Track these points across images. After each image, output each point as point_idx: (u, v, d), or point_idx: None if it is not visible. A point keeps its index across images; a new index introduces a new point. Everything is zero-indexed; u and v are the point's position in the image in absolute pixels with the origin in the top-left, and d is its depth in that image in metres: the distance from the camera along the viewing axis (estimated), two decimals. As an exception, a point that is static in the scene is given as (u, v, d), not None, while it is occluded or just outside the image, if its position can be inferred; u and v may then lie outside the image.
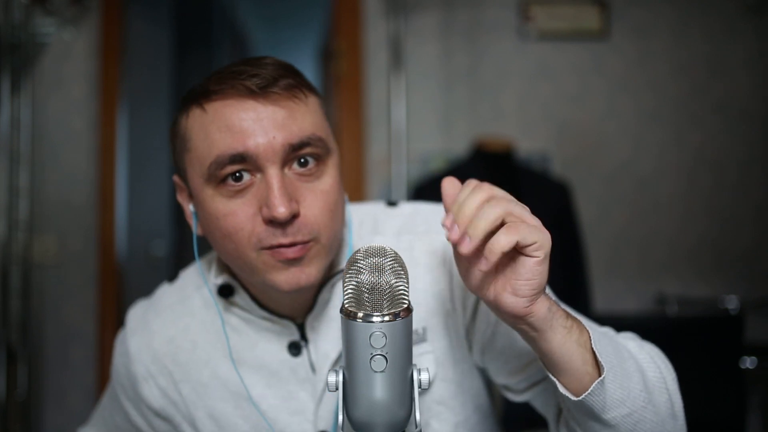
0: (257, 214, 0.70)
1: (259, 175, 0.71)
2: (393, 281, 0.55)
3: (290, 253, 0.71)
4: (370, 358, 0.55)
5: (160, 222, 3.10)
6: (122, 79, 2.56)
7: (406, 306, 0.56)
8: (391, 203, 0.90)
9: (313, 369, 0.81)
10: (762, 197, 2.57)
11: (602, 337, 0.66)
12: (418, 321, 0.80)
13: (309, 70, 5.76)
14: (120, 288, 2.56)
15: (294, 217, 0.70)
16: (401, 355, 0.56)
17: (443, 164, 2.48)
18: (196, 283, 0.89)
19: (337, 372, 0.59)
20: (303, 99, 0.73)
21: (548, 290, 0.67)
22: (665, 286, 2.52)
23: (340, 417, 0.59)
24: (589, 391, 0.62)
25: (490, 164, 2.18)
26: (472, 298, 0.80)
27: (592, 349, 0.63)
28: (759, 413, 2.34)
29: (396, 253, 0.57)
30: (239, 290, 0.81)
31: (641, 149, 2.57)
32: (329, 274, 0.80)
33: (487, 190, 0.61)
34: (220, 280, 0.82)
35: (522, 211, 0.59)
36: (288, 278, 0.72)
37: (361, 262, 0.55)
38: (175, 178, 0.81)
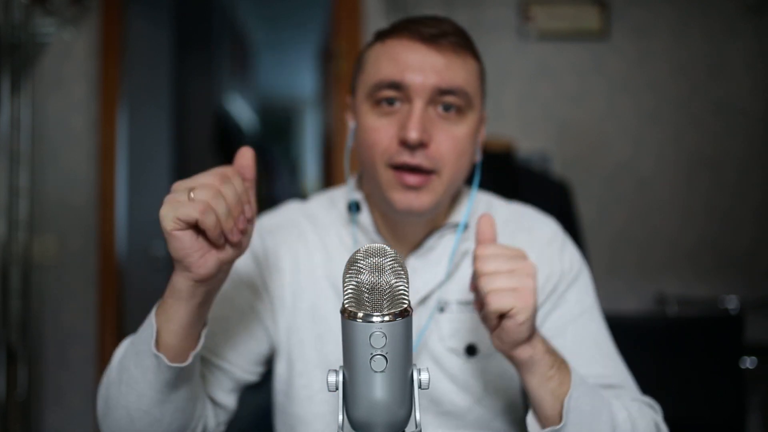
0: (396, 135, 0.83)
1: (407, 105, 0.84)
2: (393, 281, 0.55)
3: (411, 179, 0.83)
4: (370, 358, 0.55)
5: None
6: (122, 79, 2.56)
7: (406, 306, 0.56)
8: (506, 200, 1.02)
9: None
10: (762, 197, 2.57)
11: (584, 396, 0.74)
12: None
13: (309, 70, 5.77)
14: (120, 288, 2.55)
15: (423, 145, 0.82)
16: (401, 355, 0.56)
17: (443, 164, 2.48)
18: (326, 205, 1.00)
19: (337, 372, 0.59)
20: (462, 57, 0.86)
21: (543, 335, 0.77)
22: (665, 286, 2.52)
23: (340, 417, 0.59)
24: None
25: (490, 164, 2.17)
26: (547, 308, 0.91)
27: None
28: (759, 413, 2.34)
29: (396, 253, 0.57)
30: (365, 210, 0.93)
31: (641, 149, 2.57)
32: (440, 224, 0.93)
33: (497, 264, 0.72)
34: (354, 195, 0.95)
35: (519, 279, 0.71)
36: (402, 199, 0.84)
37: (361, 262, 0.55)
38: (348, 98, 0.96)
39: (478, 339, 0.90)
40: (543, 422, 0.75)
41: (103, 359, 2.48)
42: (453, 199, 0.95)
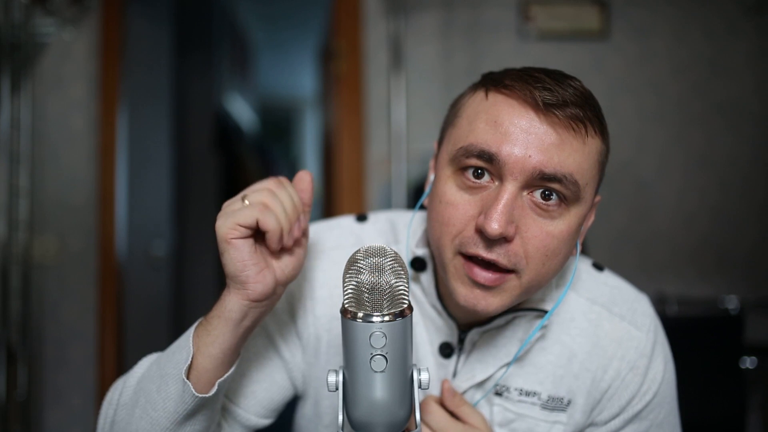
0: (474, 218, 0.68)
1: (497, 183, 0.68)
2: (393, 281, 0.55)
3: (482, 276, 0.69)
4: (370, 358, 0.55)
5: (160, 222, 3.10)
6: (122, 79, 2.56)
7: (406, 306, 0.56)
8: (597, 266, 0.88)
9: (454, 376, 0.82)
10: (763, 197, 2.57)
11: None
12: (568, 391, 0.80)
13: (309, 70, 5.77)
14: (120, 288, 2.55)
15: (505, 239, 0.67)
16: (401, 355, 0.56)
17: (443, 164, 2.47)
18: (384, 236, 0.88)
19: (337, 372, 0.59)
20: (582, 136, 0.68)
21: None
22: (665, 286, 2.52)
23: (340, 417, 0.58)
24: None
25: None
26: (617, 424, 0.81)
27: None
28: (759, 413, 2.34)
29: (396, 253, 0.57)
30: (429, 270, 0.80)
31: (642, 149, 2.56)
32: (518, 307, 0.78)
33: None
34: (420, 251, 0.81)
35: None
36: (468, 295, 0.70)
37: (361, 262, 0.55)
38: (435, 143, 0.81)
39: None
40: None
41: (103, 359, 2.48)
42: None
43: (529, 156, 0.66)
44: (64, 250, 2.51)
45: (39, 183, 2.48)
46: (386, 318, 0.54)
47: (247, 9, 4.73)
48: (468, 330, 0.80)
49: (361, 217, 0.92)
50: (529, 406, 0.79)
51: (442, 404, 0.78)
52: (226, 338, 0.68)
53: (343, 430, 0.58)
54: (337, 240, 0.87)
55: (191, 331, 0.70)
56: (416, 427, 0.58)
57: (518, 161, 0.66)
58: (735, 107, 2.57)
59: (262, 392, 0.84)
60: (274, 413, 0.87)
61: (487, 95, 0.71)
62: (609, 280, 0.86)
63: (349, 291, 0.55)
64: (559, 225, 0.69)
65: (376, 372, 0.55)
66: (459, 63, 2.53)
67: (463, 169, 0.70)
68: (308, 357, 0.86)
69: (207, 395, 0.68)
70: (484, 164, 0.68)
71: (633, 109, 2.56)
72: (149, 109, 2.93)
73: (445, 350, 0.81)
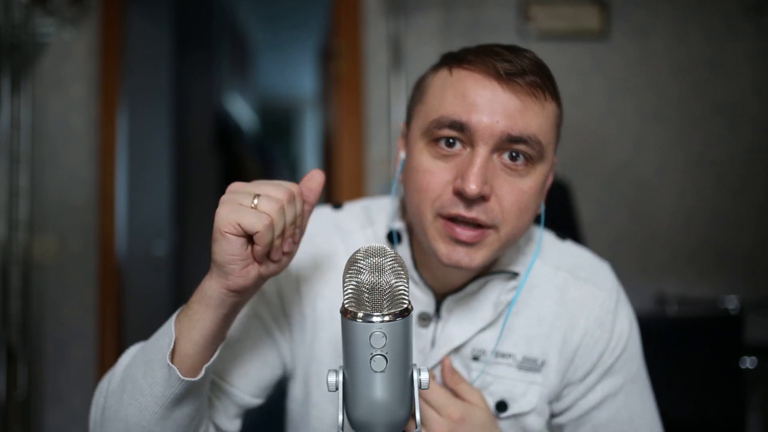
0: (451, 183, 0.74)
1: (468, 149, 0.74)
2: (393, 281, 0.55)
3: (463, 235, 0.74)
4: (370, 358, 0.55)
5: (160, 222, 3.10)
6: (122, 79, 2.56)
7: (405, 306, 0.56)
8: (560, 237, 0.94)
9: (432, 344, 0.84)
10: (762, 197, 2.57)
11: None
12: (541, 351, 0.84)
13: (309, 70, 5.77)
14: (120, 288, 2.55)
15: (482, 198, 0.73)
16: (401, 355, 0.56)
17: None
18: (361, 221, 0.93)
19: (337, 372, 0.59)
20: (541, 100, 0.76)
21: None
22: (665, 286, 2.52)
23: (340, 417, 0.58)
24: None
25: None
26: (582, 372, 0.85)
27: None
28: (759, 413, 2.34)
29: (396, 253, 0.57)
30: (405, 243, 0.86)
31: (642, 149, 2.56)
32: (488, 271, 0.85)
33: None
34: (395, 224, 0.87)
35: None
36: (451, 253, 0.75)
37: (361, 262, 0.55)
38: (402, 124, 0.87)
39: (510, 396, 0.84)
40: None
41: (103, 359, 2.48)
42: None
43: (497, 122, 0.72)
44: (64, 250, 2.51)
45: (39, 183, 2.48)
46: (386, 318, 0.54)
47: (247, 9, 4.73)
48: (443, 299, 0.84)
49: (337, 206, 0.97)
50: (506, 368, 0.84)
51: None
52: (206, 323, 0.69)
53: (343, 430, 0.58)
54: (316, 227, 0.90)
55: (174, 317, 0.71)
56: (416, 428, 0.58)
57: (487, 127, 0.72)
58: (735, 107, 2.57)
59: (255, 371, 0.86)
60: (265, 392, 0.89)
61: (451, 72, 0.77)
62: (572, 249, 0.92)
63: (349, 291, 0.55)
64: (528, 182, 0.75)
65: (376, 372, 0.55)
66: (459, 63, 2.53)
67: (436, 140, 0.75)
68: (295, 335, 0.89)
69: (194, 379, 0.69)
70: (456, 133, 0.74)
71: (633, 109, 2.56)
72: (149, 109, 2.93)
73: (423, 319, 0.85)
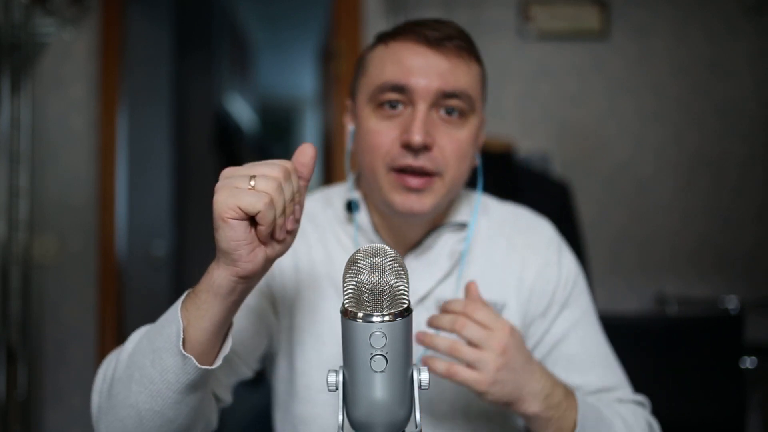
0: (398, 139, 0.84)
1: (410, 109, 0.84)
2: (393, 281, 0.55)
3: (413, 182, 0.84)
4: (370, 358, 0.55)
5: (160, 222, 3.10)
6: (122, 79, 2.56)
7: (406, 306, 0.56)
8: (500, 200, 1.04)
9: None
10: (762, 197, 2.57)
11: (586, 421, 0.78)
12: (500, 295, 0.92)
13: (309, 70, 5.77)
14: (120, 288, 2.55)
15: (426, 148, 0.83)
16: (401, 355, 0.56)
17: (443, 164, 2.47)
18: (322, 203, 1.00)
19: (337, 372, 0.59)
20: (466, 61, 0.86)
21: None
22: (665, 285, 2.52)
23: (340, 417, 0.58)
24: None
25: (490, 164, 2.17)
26: (544, 304, 0.92)
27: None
28: (759, 413, 2.34)
29: (396, 253, 0.57)
30: (363, 210, 0.94)
31: (641, 149, 2.57)
32: (439, 223, 0.93)
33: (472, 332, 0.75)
34: (352, 195, 0.95)
35: (487, 357, 0.74)
36: (404, 201, 0.85)
37: (361, 262, 0.55)
38: (347, 101, 0.96)
39: None
40: None
41: (103, 359, 2.48)
42: (451, 201, 0.95)
43: (432, 81, 0.83)
44: (64, 250, 2.51)
45: (39, 183, 2.48)
46: (386, 318, 0.54)
47: (247, 9, 4.73)
48: (404, 257, 0.92)
49: None
50: None
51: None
52: (216, 311, 0.68)
53: (343, 430, 0.58)
54: None
55: (179, 304, 0.71)
56: (416, 427, 0.58)
57: (424, 87, 0.83)
58: (735, 107, 2.57)
59: (249, 340, 0.90)
60: (257, 365, 0.95)
61: (387, 45, 0.87)
62: (512, 207, 1.02)
63: (349, 291, 0.55)
64: (464, 132, 0.86)
65: (376, 372, 0.55)
66: (459, 63, 2.53)
67: (381, 104, 0.85)
68: (278, 307, 0.94)
69: (212, 368, 0.70)
70: (397, 96, 0.84)
71: (633, 109, 2.56)
72: (149, 109, 2.93)
73: None
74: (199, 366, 0.68)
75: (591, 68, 2.56)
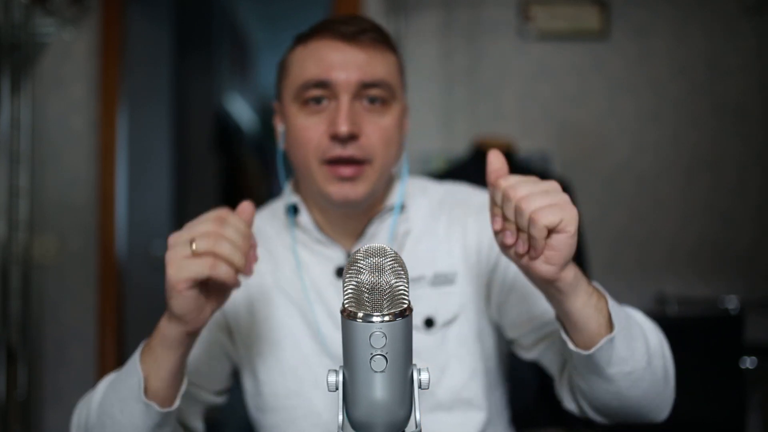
0: (326, 132, 0.86)
1: (334, 102, 0.87)
2: (393, 281, 0.55)
3: (345, 171, 0.87)
4: (370, 358, 0.55)
5: (160, 222, 3.10)
6: (122, 79, 2.56)
7: (406, 306, 0.56)
8: (438, 181, 1.07)
9: None
10: (762, 197, 2.57)
11: (614, 304, 0.74)
12: (449, 266, 0.94)
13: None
14: (120, 288, 2.55)
15: (353, 137, 0.86)
16: (401, 355, 0.56)
17: (443, 164, 2.48)
18: (268, 215, 1.03)
19: (337, 372, 0.59)
20: (382, 52, 0.90)
21: None
22: (665, 285, 2.52)
23: (340, 417, 0.58)
24: (598, 345, 0.70)
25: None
26: (494, 256, 0.93)
27: (607, 313, 0.72)
28: (759, 413, 2.34)
29: (396, 253, 0.57)
30: (303, 211, 0.96)
31: (641, 149, 2.57)
32: (377, 210, 0.96)
33: (529, 187, 0.68)
34: (291, 199, 0.97)
35: (555, 195, 0.67)
36: (339, 190, 0.87)
37: (361, 262, 0.55)
38: (275, 104, 0.99)
39: (433, 311, 0.92)
40: (587, 341, 0.71)
41: (103, 359, 2.48)
42: (387, 186, 0.98)
43: (351, 74, 0.86)
44: (64, 250, 2.51)
45: (39, 183, 2.48)
46: (386, 318, 0.54)
47: (247, 9, 4.73)
48: (351, 248, 0.95)
49: None
50: (421, 289, 0.92)
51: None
52: (170, 361, 0.74)
53: (343, 430, 0.58)
54: None
55: (137, 356, 0.76)
56: (416, 427, 0.58)
57: (345, 80, 0.86)
58: (735, 107, 2.57)
59: (205, 366, 0.93)
60: (223, 387, 0.97)
61: (306, 45, 0.90)
62: (449, 186, 1.05)
63: (349, 291, 0.55)
64: (388, 119, 0.89)
65: (376, 372, 0.55)
66: (459, 63, 2.54)
67: (306, 101, 0.88)
68: (232, 324, 0.95)
69: (171, 409, 0.76)
70: (321, 91, 0.87)
71: (633, 109, 2.57)
72: (149, 109, 2.93)
73: (340, 272, 0.94)
74: (161, 410, 0.74)
75: (591, 68, 2.56)
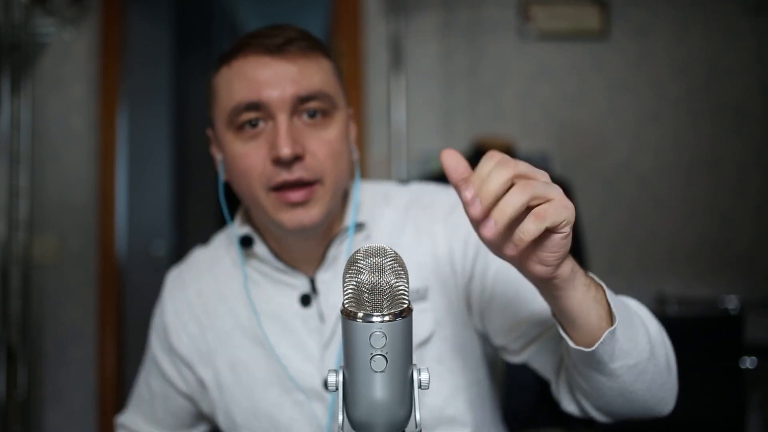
0: (267, 156, 0.79)
1: (271, 123, 0.79)
2: (393, 281, 0.55)
3: (294, 196, 0.79)
4: (370, 358, 0.55)
5: (160, 222, 3.10)
6: (122, 79, 2.56)
7: (406, 306, 0.56)
8: (403, 182, 0.98)
9: (321, 319, 0.86)
10: (761, 197, 2.57)
11: (612, 294, 0.69)
12: (420, 280, 0.87)
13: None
14: (120, 288, 2.56)
15: (298, 158, 0.78)
16: (401, 355, 0.56)
17: (443, 164, 2.48)
18: (225, 243, 0.97)
19: (337, 372, 0.59)
20: (315, 60, 0.82)
21: None
22: (665, 285, 2.52)
23: (340, 417, 0.59)
24: (601, 340, 0.65)
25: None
26: (469, 264, 0.86)
27: (606, 304, 0.66)
28: (759, 413, 2.34)
29: (396, 253, 0.57)
30: (258, 241, 0.88)
31: (641, 149, 2.57)
32: (336, 231, 0.88)
33: (512, 167, 0.60)
34: (242, 230, 0.90)
35: (545, 187, 0.59)
36: (291, 218, 0.80)
37: (361, 262, 0.55)
38: (209, 131, 0.91)
39: None
40: (587, 337, 0.66)
41: (103, 359, 2.48)
42: (345, 202, 0.91)
43: (284, 89, 0.78)
44: (64, 250, 2.51)
45: (39, 183, 2.48)
46: (386, 318, 0.54)
47: (247, 9, 4.73)
48: (314, 276, 0.88)
49: (205, 242, 1.04)
50: None
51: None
52: None
53: (343, 430, 0.58)
54: (192, 272, 0.99)
55: None
56: (416, 427, 0.58)
57: (278, 97, 0.78)
58: (735, 107, 2.57)
59: (170, 418, 0.97)
60: (197, 428, 0.99)
61: (230, 65, 0.82)
62: (414, 188, 0.96)
63: (349, 291, 0.55)
64: (332, 131, 0.82)
65: (376, 372, 0.55)
66: (459, 63, 2.54)
67: (240, 127, 0.80)
68: (204, 377, 0.92)
69: None
70: (254, 114, 0.79)
71: (632, 109, 2.57)
72: (149, 109, 2.93)
73: (305, 301, 0.88)
74: None
75: (591, 68, 2.56)
